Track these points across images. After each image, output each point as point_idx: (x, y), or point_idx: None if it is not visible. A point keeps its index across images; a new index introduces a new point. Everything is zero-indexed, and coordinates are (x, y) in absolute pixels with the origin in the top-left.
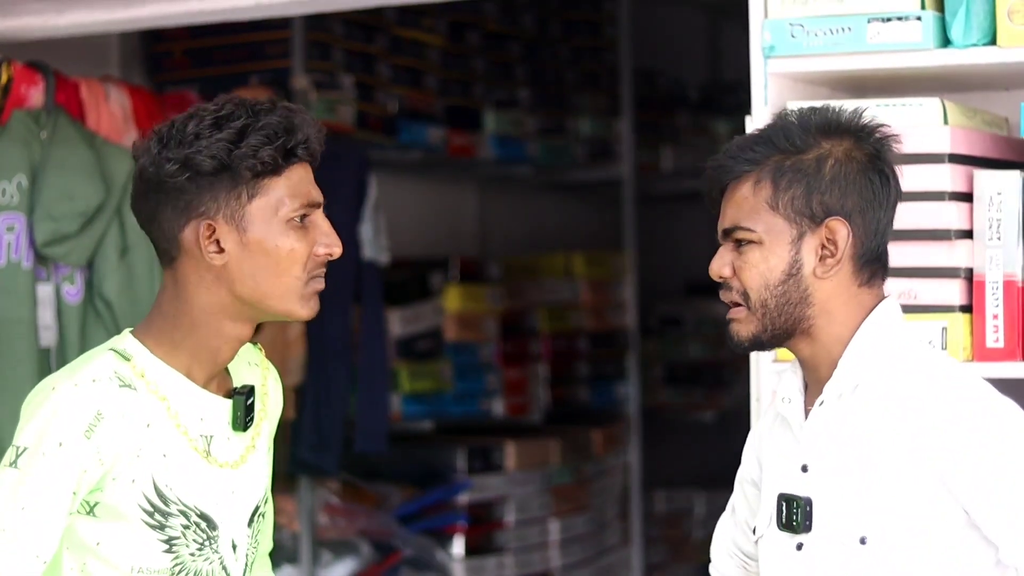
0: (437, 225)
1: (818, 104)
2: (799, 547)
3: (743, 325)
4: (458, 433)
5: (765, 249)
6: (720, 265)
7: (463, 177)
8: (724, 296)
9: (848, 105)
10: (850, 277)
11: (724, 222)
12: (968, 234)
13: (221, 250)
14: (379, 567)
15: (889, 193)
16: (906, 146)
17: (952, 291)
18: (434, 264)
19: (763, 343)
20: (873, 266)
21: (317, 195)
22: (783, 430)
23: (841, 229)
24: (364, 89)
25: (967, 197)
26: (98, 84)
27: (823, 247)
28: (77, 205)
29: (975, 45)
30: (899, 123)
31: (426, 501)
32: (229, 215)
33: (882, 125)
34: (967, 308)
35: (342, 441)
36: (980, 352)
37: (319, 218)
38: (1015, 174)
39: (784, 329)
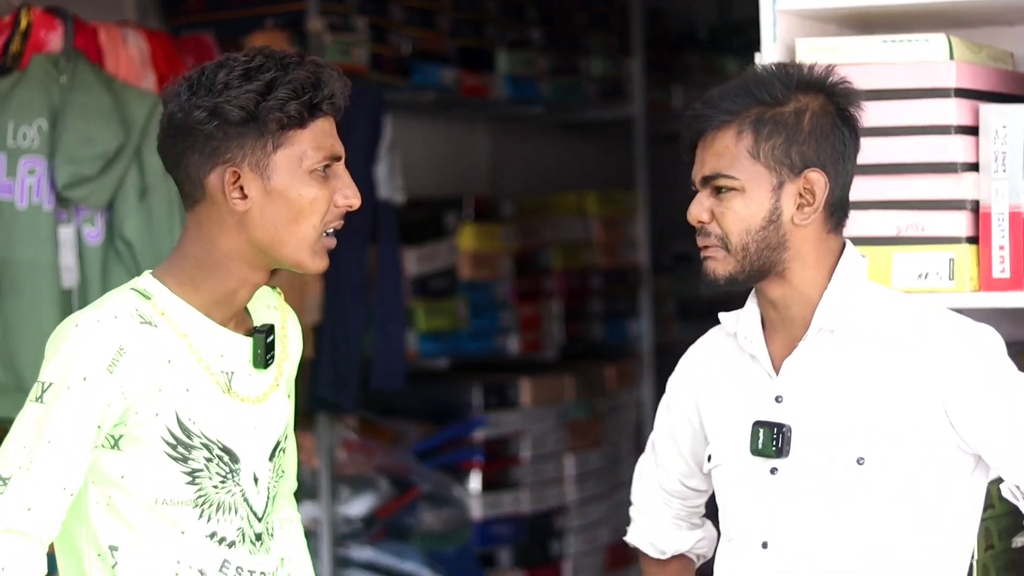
0: (451, 165)
1: (787, 61)
2: (773, 471)
3: (720, 264)
4: (473, 370)
5: (746, 196)
6: (699, 211)
7: (476, 117)
8: (701, 241)
9: (821, 61)
10: (821, 224)
11: (703, 169)
12: (974, 167)
13: (244, 196)
14: (397, 502)
15: (855, 146)
16: (913, 81)
17: (959, 223)
18: (448, 203)
19: (738, 281)
20: (839, 214)
21: (339, 148)
22: (743, 364)
23: (820, 180)
24: (378, 31)
25: (973, 131)
26: (116, 28)
27: (801, 196)
28: (97, 148)
29: None
30: (906, 58)
31: (443, 437)
32: (254, 163)
33: (849, 83)
34: (973, 239)
35: (359, 379)
36: (986, 282)
37: (340, 169)
38: (1020, 107)
39: (759, 270)
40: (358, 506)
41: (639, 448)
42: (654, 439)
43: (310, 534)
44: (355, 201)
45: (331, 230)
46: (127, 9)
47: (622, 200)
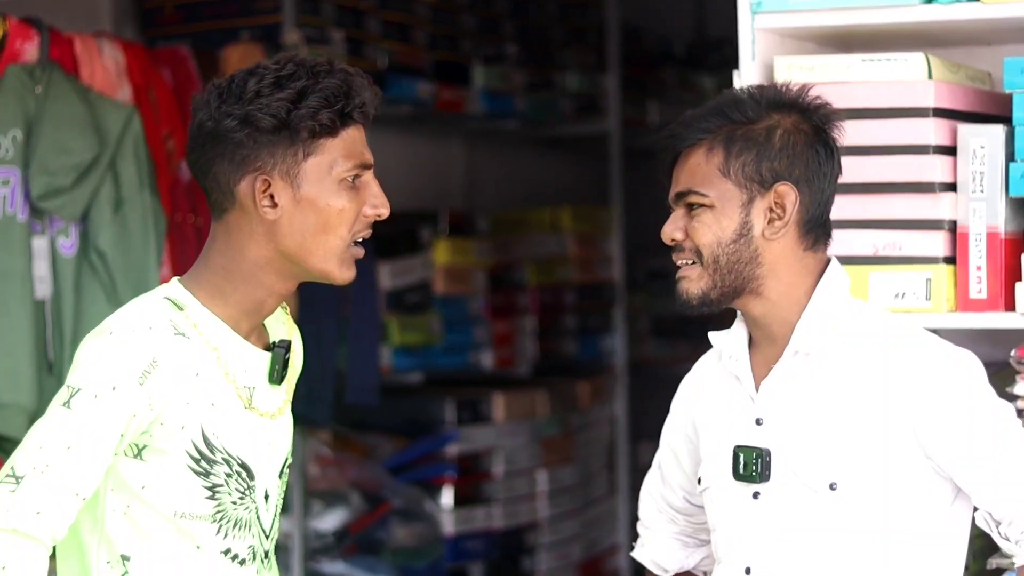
0: (426, 179)
1: (763, 83)
2: (755, 496)
3: (693, 283)
4: (447, 385)
5: (717, 212)
6: (672, 229)
7: (451, 131)
8: (676, 258)
9: (797, 81)
10: (796, 241)
11: (677, 186)
12: (952, 187)
13: (275, 205)
14: (369, 517)
15: (832, 165)
16: (891, 100)
17: (936, 243)
18: (423, 218)
19: (712, 300)
20: (817, 232)
21: (369, 157)
22: (729, 385)
23: (789, 193)
24: (354, 44)
25: (951, 150)
26: (92, 39)
27: (771, 210)
28: (72, 159)
29: (959, 1)
30: (885, 78)
31: (415, 452)
32: (284, 171)
33: (826, 103)
34: (951, 259)
35: (333, 393)
36: (963, 303)
37: (370, 178)
38: (998, 128)
39: (733, 287)
40: (330, 520)
41: (612, 464)
42: (659, 456)
43: (282, 548)
44: (384, 211)
45: (359, 240)
46: (103, 20)
47: (597, 216)
